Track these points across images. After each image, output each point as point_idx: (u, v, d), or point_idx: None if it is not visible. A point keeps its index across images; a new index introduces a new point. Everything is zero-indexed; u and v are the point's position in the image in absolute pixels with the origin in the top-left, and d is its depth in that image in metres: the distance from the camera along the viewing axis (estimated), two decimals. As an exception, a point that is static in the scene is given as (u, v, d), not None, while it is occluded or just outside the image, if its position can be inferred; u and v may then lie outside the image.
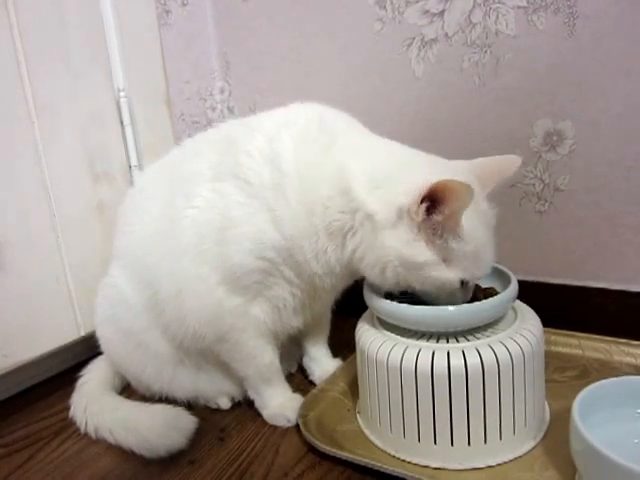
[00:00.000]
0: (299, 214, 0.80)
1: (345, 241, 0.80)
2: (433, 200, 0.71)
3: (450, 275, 0.75)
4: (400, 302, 0.80)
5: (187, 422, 0.89)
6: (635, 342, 0.98)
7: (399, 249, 0.75)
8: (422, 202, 0.71)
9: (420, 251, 0.74)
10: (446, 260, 0.75)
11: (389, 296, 0.83)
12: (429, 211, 0.72)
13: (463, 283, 0.77)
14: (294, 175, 0.80)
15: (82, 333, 1.14)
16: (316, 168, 0.80)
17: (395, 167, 0.80)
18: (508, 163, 0.83)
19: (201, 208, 0.85)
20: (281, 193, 0.80)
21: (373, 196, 0.77)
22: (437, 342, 0.77)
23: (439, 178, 0.68)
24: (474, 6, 1.05)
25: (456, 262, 0.75)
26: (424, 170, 0.77)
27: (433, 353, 0.74)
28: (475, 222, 0.75)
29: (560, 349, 1.01)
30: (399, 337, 0.79)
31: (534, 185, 1.09)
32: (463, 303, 0.79)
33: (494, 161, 0.83)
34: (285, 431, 0.90)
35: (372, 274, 0.80)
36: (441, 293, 0.78)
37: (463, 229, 0.73)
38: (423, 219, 0.72)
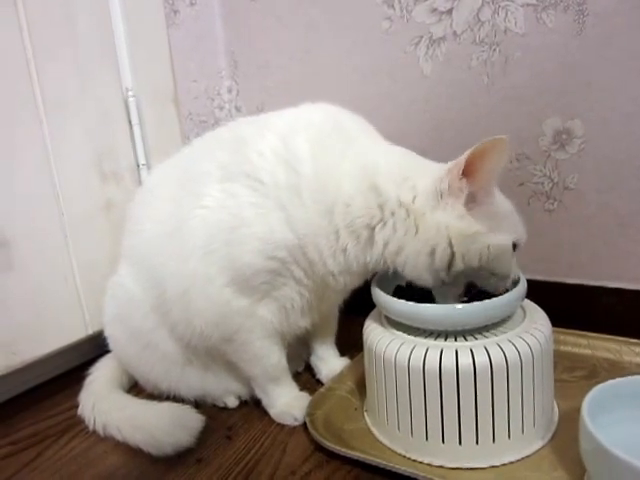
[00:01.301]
0: (314, 213, 0.80)
1: (374, 235, 0.80)
2: (467, 173, 0.74)
3: (503, 239, 0.77)
4: (408, 300, 0.80)
5: (194, 420, 0.89)
6: (645, 342, 0.97)
7: (450, 226, 0.76)
8: (462, 177, 0.74)
9: (470, 223, 0.76)
10: (492, 227, 0.76)
11: (397, 294, 0.83)
12: (467, 184, 0.75)
13: (514, 247, 0.79)
14: (312, 176, 0.80)
15: (90, 332, 1.15)
16: (335, 168, 0.81)
17: (415, 161, 0.84)
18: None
19: (211, 208, 0.85)
20: (296, 193, 0.80)
21: (403, 188, 0.79)
22: (445, 341, 0.76)
23: (472, 148, 0.72)
24: (483, 4, 1.04)
25: (502, 226, 0.78)
26: (440, 164, 0.80)
27: (441, 352, 0.73)
28: (496, 190, 0.80)
29: (569, 349, 1.01)
30: (407, 335, 0.78)
31: (543, 184, 1.08)
32: (514, 280, 0.81)
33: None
34: (292, 430, 0.90)
35: (415, 263, 0.79)
36: (497, 266, 0.78)
37: (495, 194, 0.79)
38: (466, 193, 0.75)
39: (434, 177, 0.76)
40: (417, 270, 0.80)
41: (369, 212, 0.79)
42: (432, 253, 0.77)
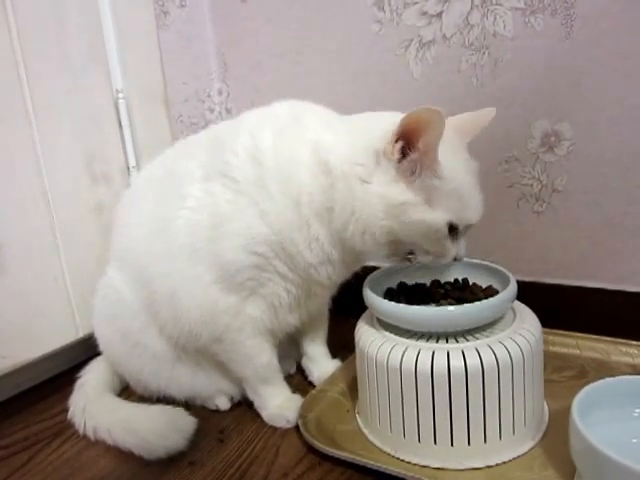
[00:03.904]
0: (284, 207, 0.81)
1: (331, 217, 0.80)
2: (407, 139, 0.73)
3: (434, 215, 0.75)
4: (399, 302, 0.80)
5: (187, 423, 0.89)
6: (632, 342, 0.98)
7: (380, 193, 0.75)
8: (397, 141, 0.73)
9: (400, 191, 0.75)
10: (428, 201, 0.75)
11: (388, 296, 0.83)
12: (405, 151, 0.73)
13: (452, 229, 0.77)
14: (274, 169, 0.81)
15: (80, 334, 1.14)
16: (294, 158, 0.81)
17: (362, 126, 0.82)
18: (484, 114, 0.85)
19: (193, 208, 0.86)
20: (264, 188, 0.81)
21: (348, 158, 0.78)
22: (437, 342, 0.77)
23: (408, 113, 0.70)
24: (472, 8, 1.05)
25: (439, 202, 0.75)
26: (394, 115, 0.77)
27: (433, 353, 0.74)
28: (454, 163, 0.76)
29: (558, 349, 1.02)
30: (399, 337, 0.79)
31: (532, 186, 1.09)
32: (457, 259, 0.80)
33: (471, 115, 0.84)
34: (285, 432, 0.90)
35: (363, 240, 0.79)
36: (430, 244, 0.78)
37: (441, 165, 0.74)
38: (399, 158, 0.74)
39: (377, 137, 0.75)
40: (366, 247, 0.80)
41: (325, 194, 0.80)
42: (372, 232, 0.77)
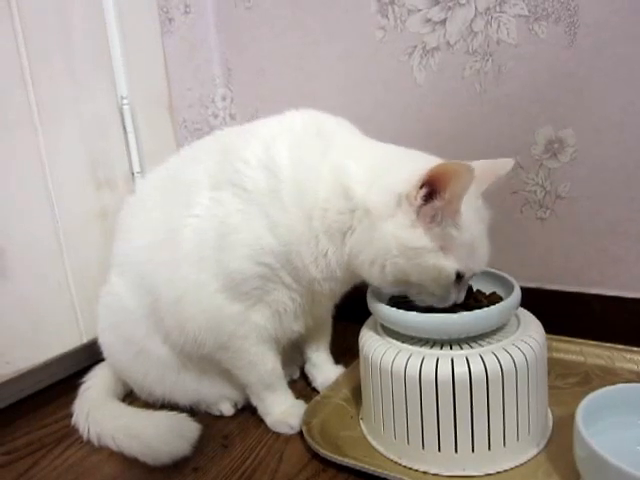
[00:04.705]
0: (296, 219, 0.81)
1: (344, 240, 0.81)
2: (433, 187, 0.72)
3: (447, 263, 0.75)
4: (404, 309, 0.80)
5: (191, 429, 0.89)
6: (636, 348, 0.98)
7: (397, 235, 0.75)
8: (422, 187, 0.73)
9: (418, 236, 0.75)
10: (443, 248, 0.75)
11: (393, 303, 0.83)
12: (428, 198, 0.73)
13: (459, 276, 0.77)
14: (290, 181, 0.81)
15: (84, 340, 1.14)
16: (312, 172, 0.81)
17: (391, 162, 0.82)
18: (502, 164, 0.85)
19: (201, 217, 0.86)
20: (277, 199, 0.81)
21: (371, 191, 0.78)
22: (441, 349, 0.77)
23: (439, 162, 0.70)
24: (476, 15, 1.05)
25: (453, 251, 0.76)
26: (421, 160, 0.79)
27: (437, 360, 0.74)
28: (471, 214, 0.77)
29: (562, 356, 1.02)
30: (403, 344, 0.79)
31: (535, 192, 1.09)
32: (455, 305, 0.80)
33: (489, 162, 0.84)
34: (289, 438, 0.90)
35: (371, 271, 0.80)
36: (436, 287, 0.78)
37: (461, 217, 0.75)
38: (421, 204, 0.74)
39: (402, 179, 0.75)
40: (372, 278, 0.81)
41: (342, 217, 0.80)
42: (383, 265, 0.78)
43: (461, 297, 0.81)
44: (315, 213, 0.81)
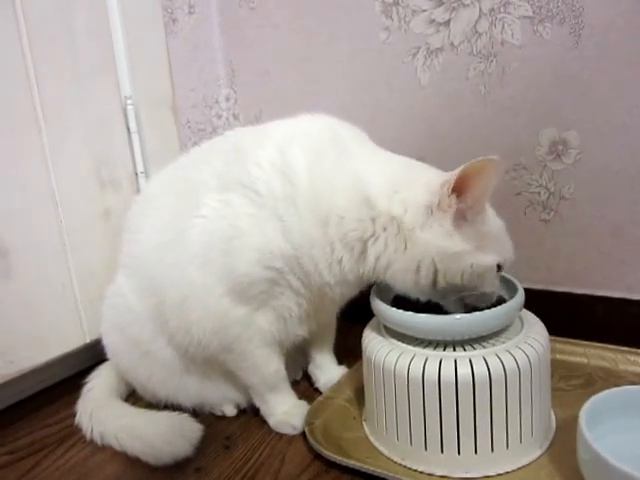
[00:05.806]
0: (310, 224, 0.80)
1: (366, 249, 0.81)
2: (461, 190, 0.75)
3: (488, 259, 0.78)
4: (407, 310, 0.80)
5: (193, 429, 0.89)
6: (640, 351, 0.98)
7: (437, 244, 0.77)
8: (452, 192, 0.74)
9: (456, 241, 0.76)
10: (479, 247, 0.77)
11: (396, 304, 0.83)
12: (457, 201, 0.75)
13: (499, 268, 0.80)
14: (307, 187, 0.80)
15: (88, 340, 1.14)
16: (330, 180, 0.81)
17: (410, 172, 0.83)
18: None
19: (209, 218, 0.85)
20: (292, 204, 0.80)
21: (394, 201, 0.79)
22: (444, 350, 0.77)
23: (464, 165, 0.72)
24: (480, 16, 1.05)
25: (489, 246, 0.78)
26: (438, 172, 0.81)
27: (440, 361, 0.74)
28: (489, 208, 0.81)
29: (565, 357, 1.01)
30: (406, 345, 0.79)
31: (539, 194, 1.09)
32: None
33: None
34: (291, 439, 0.90)
35: (403, 279, 0.80)
36: (480, 283, 0.79)
37: (487, 212, 0.79)
38: (455, 210, 0.75)
39: (425, 191, 0.77)
40: (405, 286, 0.81)
41: (362, 225, 0.80)
42: (418, 270, 0.79)
43: (497, 284, 0.83)
44: (331, 220, 0.80)
